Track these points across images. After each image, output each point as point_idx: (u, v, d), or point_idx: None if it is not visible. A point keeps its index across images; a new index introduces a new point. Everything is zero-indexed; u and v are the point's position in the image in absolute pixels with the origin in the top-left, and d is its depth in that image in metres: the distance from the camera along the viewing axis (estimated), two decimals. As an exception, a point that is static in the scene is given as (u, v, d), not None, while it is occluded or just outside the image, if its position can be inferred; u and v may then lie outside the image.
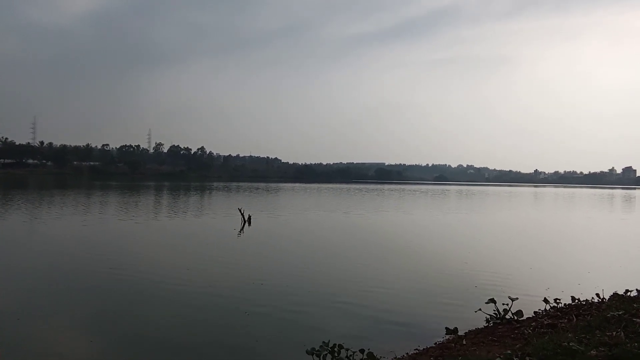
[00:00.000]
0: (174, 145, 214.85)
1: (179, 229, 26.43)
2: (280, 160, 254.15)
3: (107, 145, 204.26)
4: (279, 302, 11.37)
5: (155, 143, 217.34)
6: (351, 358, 6.48)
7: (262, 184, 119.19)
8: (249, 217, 28.74)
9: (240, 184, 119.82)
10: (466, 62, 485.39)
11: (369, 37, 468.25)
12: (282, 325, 9.73)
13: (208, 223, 29.55)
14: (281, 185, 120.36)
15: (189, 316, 10.18)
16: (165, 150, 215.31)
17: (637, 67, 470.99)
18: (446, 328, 8.85)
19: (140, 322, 9.72)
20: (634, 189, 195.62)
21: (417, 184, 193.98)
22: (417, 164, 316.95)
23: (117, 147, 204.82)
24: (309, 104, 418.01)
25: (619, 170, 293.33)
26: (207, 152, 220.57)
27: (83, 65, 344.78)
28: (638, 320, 5.97)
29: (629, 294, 9.38)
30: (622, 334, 5.12)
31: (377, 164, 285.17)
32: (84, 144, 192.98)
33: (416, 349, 8.13)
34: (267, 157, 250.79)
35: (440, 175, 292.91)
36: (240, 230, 25.44)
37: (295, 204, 50.90)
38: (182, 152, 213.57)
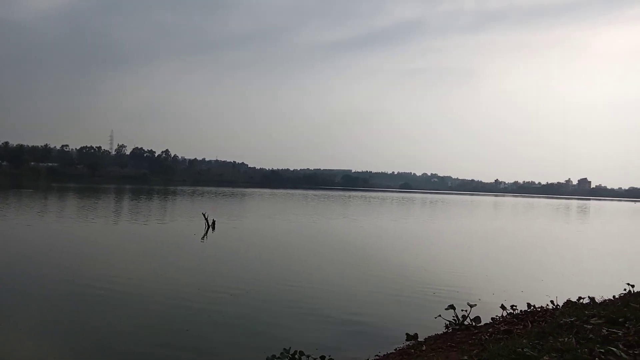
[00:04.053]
0: (137, 147, 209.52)
1: (139, 234, 25.74)
2: (247, 165, 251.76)
3: (67, 146, 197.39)
4: (240, 309, 11.22)
5: (118, 145, 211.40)
6: (312, 365, 6.44)
7: (228, 189, 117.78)
8: (213, 222, 28.32)
9: (206, 188, 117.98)
10: (434, 73, 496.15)
11: (340, 45, 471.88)
12: (242, 332, 9.60)
13: (170, 228, 28.93)
14: (247, 190, 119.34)
15: (146, 324, 9.91)
16: (127, 153, 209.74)
17: (595, 82, 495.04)
18: (406, 334, 8.94)
19: (96, 332, 9.37)
20: (588, 199, 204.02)
21: (383, 191, 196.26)
22: (384, 171, 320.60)
23: (77, 148, 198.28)
24: (278, 110, 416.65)
25: (574, 182, 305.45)
26: (172, 155, 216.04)
27: (43, 64, 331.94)
28: (589, 326, 6.19)
29: (581, 301, 9.73)
30: (574, 339, 5.28)
31: (344, 171, 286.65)
32: (42, 144, 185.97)
33: (377, 355, 8.17)
34: (234, 162, 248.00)
35: (406, 183, 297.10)
36: (204, 235, 25.03)
37: (260, 210, 50.56)
38: (145, 155, 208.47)
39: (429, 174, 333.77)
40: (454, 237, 31.62)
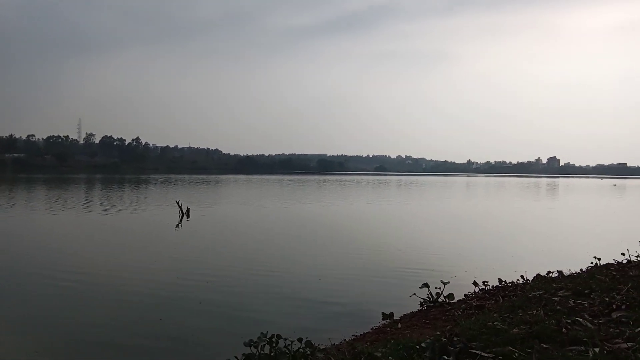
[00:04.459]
0: (106, 135, 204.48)
1: (111, 224, 25.25)
2: (221, 152, 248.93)
3: (33, 135, 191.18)
4: (217, 295, 11.19)
5: (86, 133, 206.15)
6: (289, 347, 6.45)
7: (202, 176, 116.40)
8: (188, 210, 27.99)
9: (179, 176, 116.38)
10: (408, 56, 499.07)
11: (312, 29, 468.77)
12: (220, 319, 9.58)
13: (143, 217, 28.48)
14: (222, 177, 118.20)
15: (123, 314, 9.79)
16: (97, 141, 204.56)
17: (564, 62, 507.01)
18: (382, 313, 9.09)
19: (69, 325, 9.18)
20: (557, 177, 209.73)
21: (358, 174, 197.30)
22: (359, 155, 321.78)
23: (44, 137, 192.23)
24: (252, 95, 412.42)
25: (544, 160, 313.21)
26: (143, 143, 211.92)
27: (5, 51, 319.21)
28: (556, 299, 6.40)
29: (550, 275, 10.04)
30: (542, 312, 5.45)
31: (320, 155, 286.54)
32: (7, 135, 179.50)
33: (354, 335, 8.27)
34: (207, 148, 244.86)
35: (380, 166, 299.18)
36: (178, 223, 24.74)
37: (235, 196, 50.23)
38: (115, 143, 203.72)
39: (404, 156, 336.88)
40: (427, 218, 32.13)
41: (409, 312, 9.19)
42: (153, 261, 15.31)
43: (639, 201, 55.32)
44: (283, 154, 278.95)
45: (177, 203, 28.47)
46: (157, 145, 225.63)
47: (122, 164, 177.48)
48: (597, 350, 3.88)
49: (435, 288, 9.37)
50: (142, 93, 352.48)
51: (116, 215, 28.75)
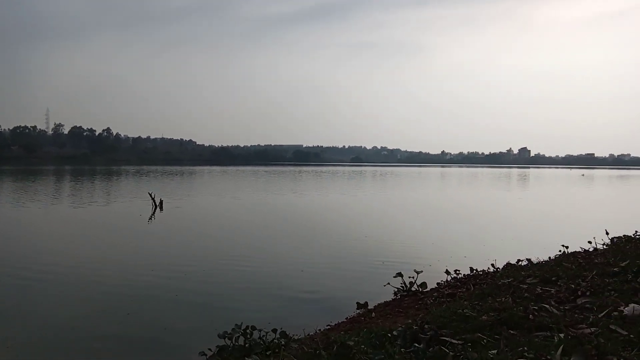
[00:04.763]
0: (75, 126, 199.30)
1: (81, 217, 24.67)
2: (195, 143, 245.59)
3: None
4: (191, 288, 11.09)
5: (55, 124, 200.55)
6: (264, 338, 6.46)
7: (175, 168, 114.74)
8: (161, 202, 27.59)
9: (152, 167, 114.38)
10: (385, 46, 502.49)
11: (288, 18, 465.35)
12: (194, 311, 9.51)
13: (115, 209, 27.93)
14: (196, 168, 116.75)
15: (94, 308, 9.59)
16: (66, 132, 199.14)
17: (537, 53, 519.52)
18: (357, 303, 9.15)
19: (35, 322, 8.94)
20: (528, 167, 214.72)
21: (334, 165, 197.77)
22: (335, 146, 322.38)
23: (10, 128, 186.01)
24: (227, 84, 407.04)
25: (515, 151, 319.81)
26: (114, 133, 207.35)
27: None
28: (524, 286, 6.58)
29: (520, 263, 10.29)
30: (510, 299, 5.60)
31: (296, 146, 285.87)
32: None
33: (328, 325, 8.32)
34: (181, 139, 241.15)
35: (356, 156, 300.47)
36: (151, 215, 24.36)
37: (210, 188, 49.73)
38: (85, 134, 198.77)
39: (379, 147, 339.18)
40: (402, 208, 32.48)
41: (382, 302, 9.28)
42: (125, 254, 15.06)
43: (606, 191, 57.16)
44: (259, 145, 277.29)
45: (150, 195, 28.02)
46: (129, 135, 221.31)
47: (93, 155, 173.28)
48: (562, 335, 4.00)
49: (409, 277, 9.49)
50: (113, 82, 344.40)
51: (86, 207, 28.11)
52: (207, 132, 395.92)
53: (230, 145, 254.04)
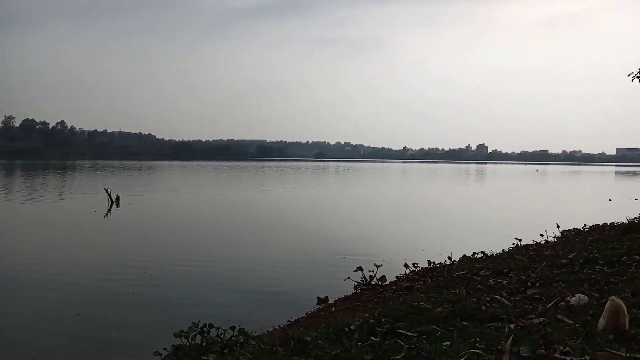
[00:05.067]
0: (27, 119, 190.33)
1: (32, 213, 23.61)
2: (155, 137, 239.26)
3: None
4: (151, 286, 10.82)
5: (5, 116, 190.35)
6: (222, 336, 6.37)
7: (133, 162, 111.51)
8: (117, 198, 26.77)
9: (108, 162, 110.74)
10: (349, 42, 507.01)
11: (251, 11, 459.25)
12: (153, 310, 9.29)
13: (68, 206, 26.90)
14: (155, 163, 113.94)
15: (43, 308, 9.21)
16: (17, 125, 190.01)
17: (498, 53, 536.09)
18: (318, 298, 9.23)
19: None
20: (486, 163, 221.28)
21: (298, 161, 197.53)
22: (298, 141, 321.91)
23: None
24: (187, 77, 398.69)
25: (474, 147, 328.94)
26: (68, 126, 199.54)
27: None
28: (478, 278, 6.77)
29: (475, 255, 10.59)
30: (464, 291, 5.74)
31: (259, 141, 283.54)
32: None
33: (288, 320, 8.30)
34: (140, 133, 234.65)
35: (320, 152, 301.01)
36: (107, 212, 23.60)
37: (169, 183, 48.67)
38: (37, 127, 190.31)
39: (343, 143, 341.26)
40: (364, 203, 32.80)
41: (343, 296, 9.36)
42: (79, 252, 14.52)
43: (558, 186, 59.61)
44: (221, 140, 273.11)
45: (106, 190, 27.12)
46: (84, 129, 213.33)
47: (46, 149, 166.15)
48: (512, 326, 4.13)
49: (369, 271, 9.60)
50: (66, 73, 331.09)
51: (37, 203, 26.93)
52: (167, 126, 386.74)
53: (191, 139, 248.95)
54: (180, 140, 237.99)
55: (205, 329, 6.48)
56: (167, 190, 39.17)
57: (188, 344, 6.05)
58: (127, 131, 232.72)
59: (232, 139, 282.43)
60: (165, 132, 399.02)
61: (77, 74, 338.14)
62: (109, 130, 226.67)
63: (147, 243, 16.31)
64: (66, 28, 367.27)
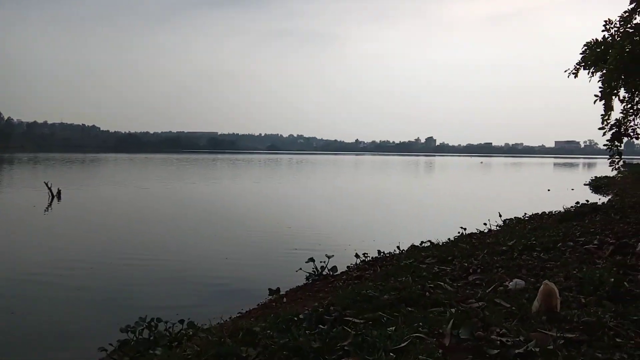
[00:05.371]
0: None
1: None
2: (99, 129, 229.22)
3: None
4: (97, 282, 10.48)
5: None
6: (170, 330, 6.28)
7: (76, 155, 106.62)
8: (59, 192, 25.56)
9: (49, 154, 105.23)
10: (301, 34, 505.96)
11: (198, 2, 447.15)
12: (98, 307, 9.01)
13: (5, 200, 25.45)
14: (100, 155, 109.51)
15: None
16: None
17: (446, 48, 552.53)
18: (269, 289, 9.25)
19: None
20: (434, 155, 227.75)
21: (250, 153, 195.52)
22: (251, 133, 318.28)
23: None
24: (131, 67, 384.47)
25: (422, 140, 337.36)
26: (5, 118, 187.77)
27: None
28: (423, 266, 7.03)
29: (422, 244, 10.93)
30: (410, 278, 5.94)
31: (210, 134, 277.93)
32: None
33: (239, 312, 8.28)
34: (83, 125, 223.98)
35: (272, 144, 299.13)
36: (48, 206, 22.49)
37: (115, 177, 46.95)
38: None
39: (296, 135, 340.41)
40: (316, 195, 33.00)
41: (295, 287, 9.43)
42: (17, 249, 13.80)
43: (502, 177, 62.33)
44: (170, 132, 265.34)
45: (46, 184, 25.81)
46: (23, 120, 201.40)
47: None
48: (453, 310, 4.32)
49: (321, 262, 9.70)
50: (1, 60, 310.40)
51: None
52: (112, 117, 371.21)
53: (138, 131, 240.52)
54: (127, 132, 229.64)
55: (153, 323, 6.36)
56: (112, 183, 37.76)
57: (135, 338, 5.93)
58: (69, 122, 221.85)
59: (182, 131, 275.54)
60: (111, 123, 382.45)
61: (12, 62, 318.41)
62: (49, 122, 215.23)
63: (92, 238, 15.71)
64: (2, 14, 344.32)
